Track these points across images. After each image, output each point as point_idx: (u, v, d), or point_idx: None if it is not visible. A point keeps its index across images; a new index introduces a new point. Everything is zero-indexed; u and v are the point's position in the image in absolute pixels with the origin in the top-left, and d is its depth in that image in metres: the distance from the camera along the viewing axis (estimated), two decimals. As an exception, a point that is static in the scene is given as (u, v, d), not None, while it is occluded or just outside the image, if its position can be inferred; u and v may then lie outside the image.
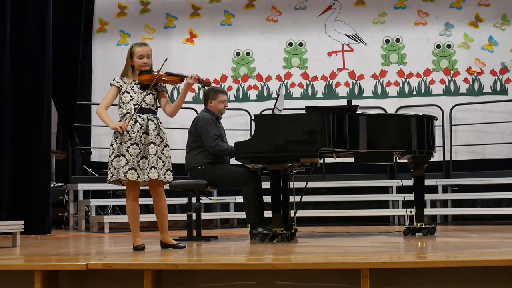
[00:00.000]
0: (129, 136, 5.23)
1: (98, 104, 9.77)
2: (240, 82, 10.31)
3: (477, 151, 9.89)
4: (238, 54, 10.35)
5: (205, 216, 8.62)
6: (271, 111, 6.43)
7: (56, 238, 7.34)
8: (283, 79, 10.30)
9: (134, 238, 5.33)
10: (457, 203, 9.50)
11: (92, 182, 9.23)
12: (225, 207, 9.72)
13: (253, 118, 6.85)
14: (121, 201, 9.26)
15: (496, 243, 5.61)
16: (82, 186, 8.98)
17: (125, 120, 5.27)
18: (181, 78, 5.49)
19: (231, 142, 6.69)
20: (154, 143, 5.25)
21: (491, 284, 4.15)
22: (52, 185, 8.72)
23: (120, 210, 9.51)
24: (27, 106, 8.05)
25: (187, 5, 10.41)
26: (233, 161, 6.65)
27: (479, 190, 9.37)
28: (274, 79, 10.31)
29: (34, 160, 7.99)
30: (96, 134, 10.21)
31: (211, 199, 9.05)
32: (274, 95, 10.10)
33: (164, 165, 5.27)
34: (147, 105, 5.32)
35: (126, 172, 5.18)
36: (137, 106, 5.27)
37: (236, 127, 9.82)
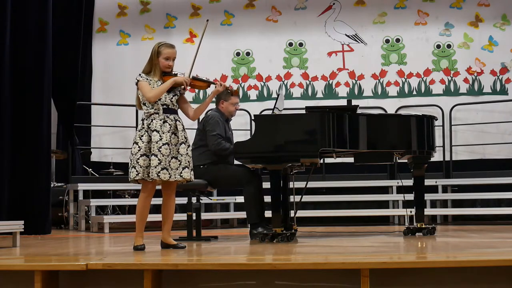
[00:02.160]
0: (160, 136, 5.25)
1: (98, 104, 9.97)
2: (240, 82, 10.31)
3: (477, 151, 9.89)
4: (238, 54, 10.36)
5: (205, 216, 8.61)
6: (271, 111, 6.43)
7: (56, 238, 7.34)
8: (283, 79, 10.30)
9: (136, 238, 5.33)
10: (457, 203, 9.50)
11: (92, 182, 9.23)
12: (225, 207, 9.72)
13: (253, 118, 6.85)
14: (121, 201, 9.27)
15: (496, 243, 5.61)
16: (82, 186, 8.98)
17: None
18: (208, 84, 5.54)
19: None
20: (184, 143, 5.33)
21: (491, 284, 4.15)
22: (52, 185, 8.71)
23: (120, 210, 9.51)
24: (27, 106, 8.05)
25: (187, 5, 10.41)
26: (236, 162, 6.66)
27: (479, 190, 9.37)
28: (274, 79, 10.31)
29: (34, 160, 7.99)
30: (96, 134, 10.21)
31: (211, 199, 9.05)
32: (274, 95, 10.10)
33: (190, 165, 5.37)
34: (173, 106, 5.37)
35: (159, 172, 5.20)
36: (167, 106, 5.31)
37: (236, 127, 9.79)
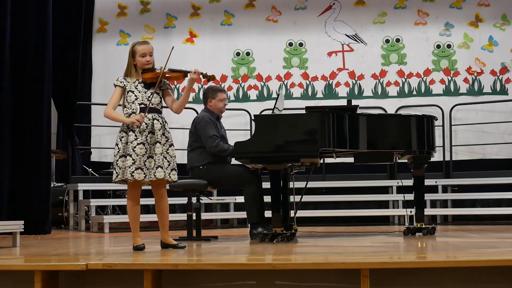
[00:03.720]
0: (135, 135, 5.23)
1: (98, 104, 9.98)
2: (240, 82, 10.31)
3: (477, 151, 9.89)
4: (238, 54, 10.36)
5: (205, 216, 8.62)
6: (271, 111, 6.42)
7: (56, 238, 7.34)
8: (283, 79, 10.30)
9: (134, 238, 5.33)
10: (457, 203, 9.50)
11: (92, 182, 9.23)
12: (225, 207, 9.72)
13: (253, 118, 6.84)
14: (121, 201, 9.27)
15: (496, 243, 5.61)
16: (82, 186, 8.97)
17: (134, 116, 5.25)
18: (184, 74, 5.48)
19: (231, 142, 6.68)
20: (159, 143, 5.26)
21: (491, 284, 4.15)
22: (52, 185, 8.71)
23: (120, 210, 9.51)
24: (27, 106, 8.05)
25: (187, 5, 10.41)
26: (233, 161, 6.64)
27: (479, 190, 9.36)
28: (274, 79, 10.31)
29: (34, 160, 7.99)
30: (96, 134, 10.21)
31: (211, 199, 9.05)
32: (274, 95, 10.10)
33: (169, 165, 5.28)
34: (152, 105, 5.33)
35: (133, 172, 5.18)
36: (145, 105, 5.26)
37: (236, 127, 9.82)
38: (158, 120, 5.31)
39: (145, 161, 5.22)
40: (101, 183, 9.23)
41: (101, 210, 9.34)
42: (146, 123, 5.26)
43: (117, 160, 5.24)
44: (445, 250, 5.20)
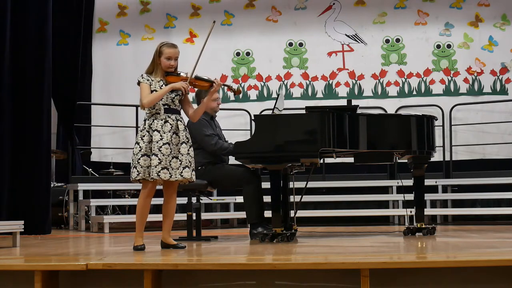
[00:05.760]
0: (160, 136, 5.26)
1: (98, 104, 9.98)
2: (240, 82, 10.31)
3: (477, 151, 9.89)
4: (238, 54, 10.36)
5: (205, 216, 8.62)
6: (271, 111, 6.42)
7: (56, 238, 7.34)
8: (283, 79, 10.30)
9: (136, 237, 5.33)
10: (457, 203, 9.50)
11: (92, 182, 9.23)
12: (225, 207, 9.72)
13: (253, 118, 6.84)
14: (121, 201, 9.28)
15: (496, 243, 5.61)
16: (82, 186, 8.97)
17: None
18: (210, 84, 5.54)
19: (231, 142, 6.68)
20: (185, 143, 5.32)
21: (491, 284, 4.15)
22: (52, 185, 8.71)
23: (120, 210, 9.51)
24: (27, 106, 8.05)
25: (187, 5, 10.41)
26: (232, 161, 6.64)
27: (479, 190, 9.36)
28: (274, 79, 10.31)
29: (34, 160, 7.99)
30: (96, 134, 10.21)
31: (211, 199, 9.05)
32: (274, 95, 10.10)
33: (191, 165, 5.35)
34: (175, 106, 5.37)
35: (159, 172, 5.21)
36: (168, 106, 5.32)
37: (236, 127, 9.82)
38: (181, 121, 5.38)
39: (170, 161, 5.25)
40: (101, 183, 9.23)
41: (101, 210, 9.34)
42: (171, 124, 5.30)
43: (139, 159, 5.24)
44: (445, 250, 5.20)
